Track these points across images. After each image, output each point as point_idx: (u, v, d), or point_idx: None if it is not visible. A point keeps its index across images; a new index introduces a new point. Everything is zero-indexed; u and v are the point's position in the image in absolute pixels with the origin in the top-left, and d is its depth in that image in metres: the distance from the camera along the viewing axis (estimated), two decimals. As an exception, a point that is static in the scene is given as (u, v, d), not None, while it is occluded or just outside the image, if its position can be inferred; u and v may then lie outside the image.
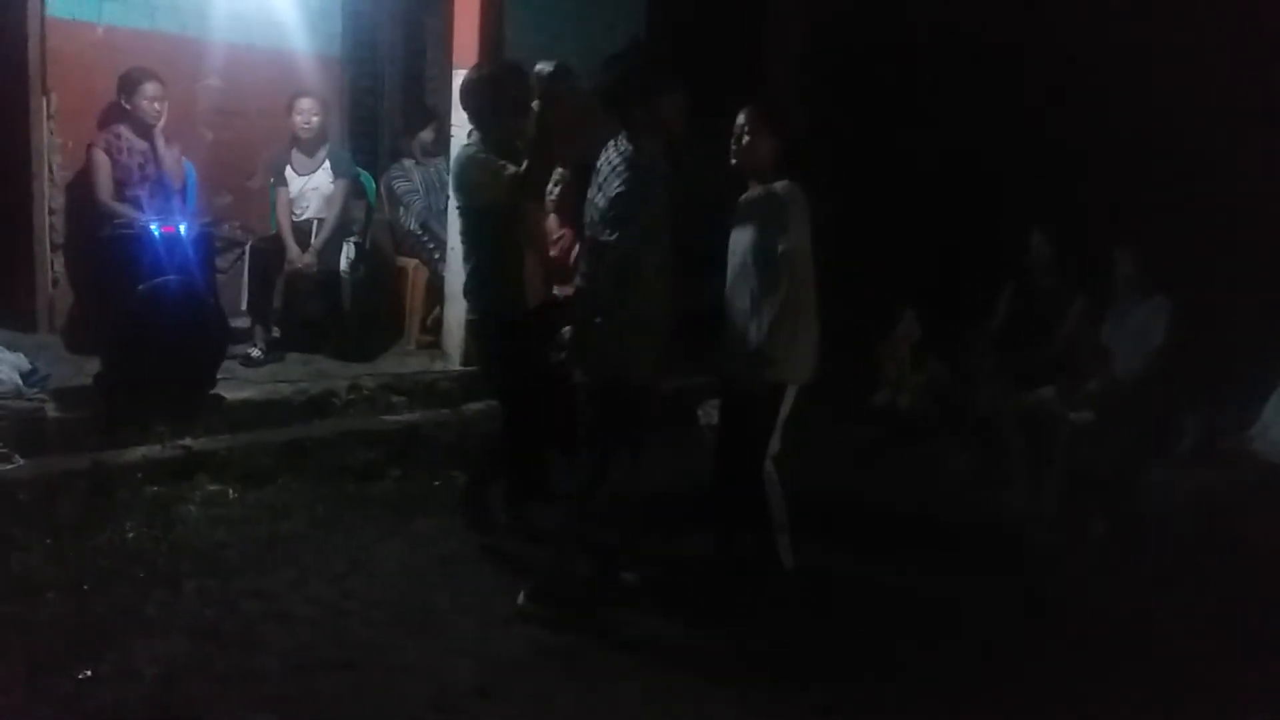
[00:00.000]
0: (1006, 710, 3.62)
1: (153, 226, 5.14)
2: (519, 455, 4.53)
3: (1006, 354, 5.89)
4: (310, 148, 6.27)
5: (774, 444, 4.21)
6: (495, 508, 4.67)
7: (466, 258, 4.38)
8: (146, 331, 4.79)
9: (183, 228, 5.21)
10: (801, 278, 4.02)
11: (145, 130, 5.71)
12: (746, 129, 4.08)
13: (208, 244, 5.54)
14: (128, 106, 5.68)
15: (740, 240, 4.13)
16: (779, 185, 4.06)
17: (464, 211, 4.34)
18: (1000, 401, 5.68)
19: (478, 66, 4.71)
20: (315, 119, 6.20)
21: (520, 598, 3.98)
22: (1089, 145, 6.60)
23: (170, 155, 5.82)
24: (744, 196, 4.17)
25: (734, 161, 4.13)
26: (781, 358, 4.00)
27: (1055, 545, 5.00)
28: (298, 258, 6.04)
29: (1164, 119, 6.36)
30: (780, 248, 3.97)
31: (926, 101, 7.34)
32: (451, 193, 4.69)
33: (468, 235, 4.34)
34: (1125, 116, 6.54)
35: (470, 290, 4.42)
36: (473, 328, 4.71)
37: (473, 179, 4.22)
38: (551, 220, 5.19)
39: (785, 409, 4.16)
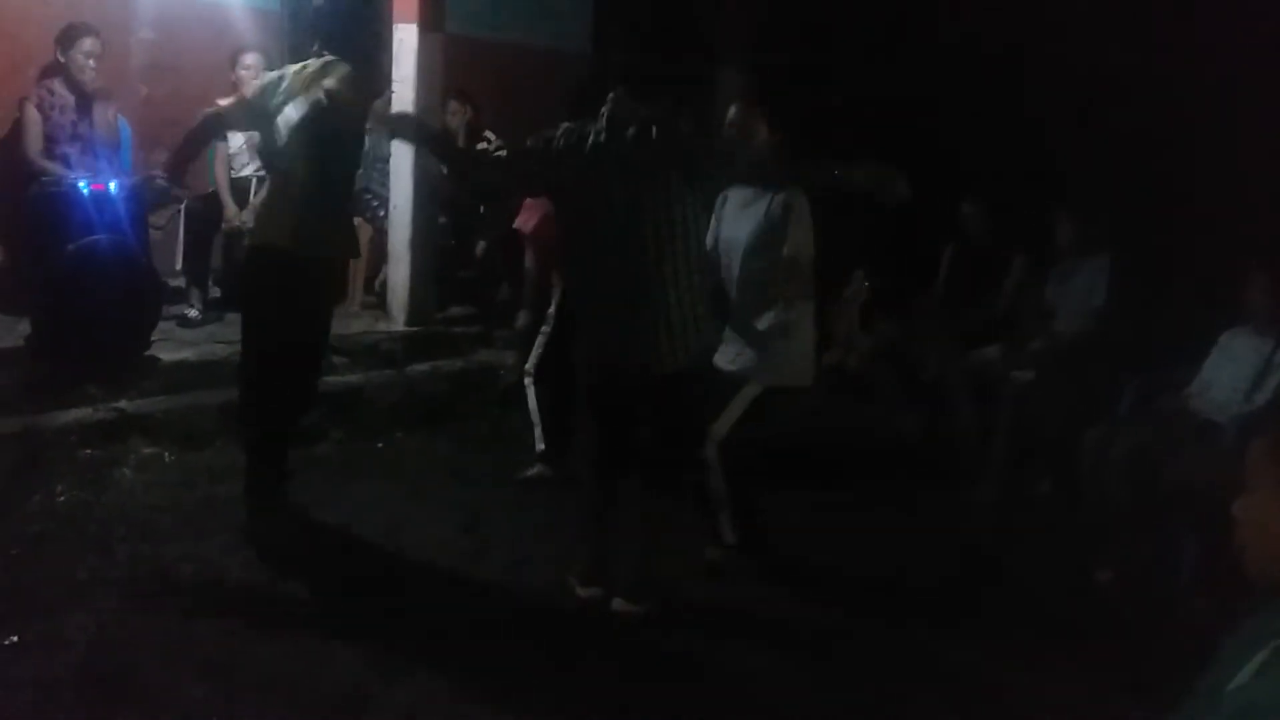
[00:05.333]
0: (955, 671, 3.62)
1: (81, 184, 5.01)
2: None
3: (951, 314, 5.92)
4: (253, 103, 6.13)
5: (721, 429, 4.10)
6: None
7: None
8: (76, 292, 4.70)
9: (113, 185, 5.09)
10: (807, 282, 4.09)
11: (79, 86, 5.55)
12: (740, 125, 3.98)
13: (139, 202, 5.41)
14: (63, 60, 5.51)
15: (739, 238, 4.05)
16: (786, 191, 4.01)
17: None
18: (946, 362, 5.70)
19: None
20: (256, 73, 6.06)
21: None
22: (1033, 108, 6.61)
23: (104, 111, 5.66)
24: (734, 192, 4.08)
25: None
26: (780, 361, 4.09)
27: (1001, 503, 5.05)
28: (235, 215, 5.92)
29: (1108, 81, 6.38)
30: (786, 251, 3.97)
31: (876, 71, 7.32)
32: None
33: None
34: (1070, 80, 6.55)
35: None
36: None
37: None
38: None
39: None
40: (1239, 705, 1.53)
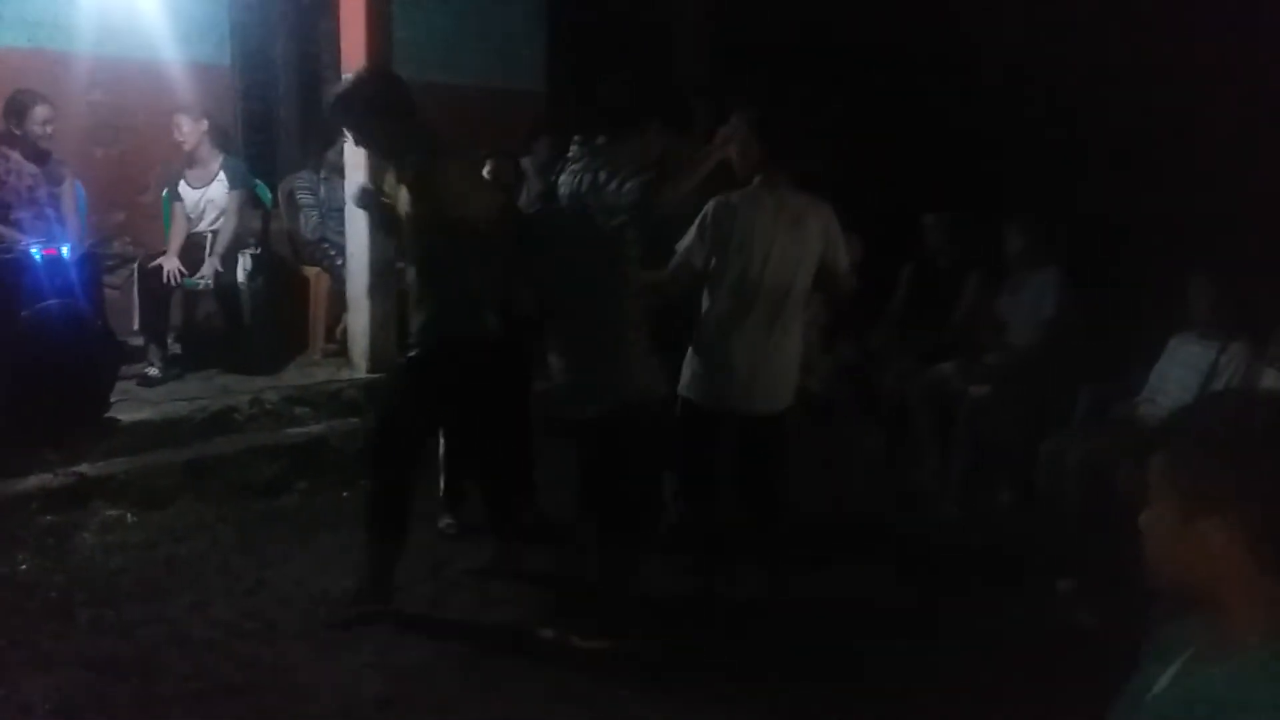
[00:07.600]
0: (916, 680, 3.63)
1: (34, 250, 5.02)
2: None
3: (909, 332, 5.99)
4: (203, 160, 6.14)
5: None
6: None
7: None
8: (30, 358, 4.69)
9: (65, 249, 5.09)
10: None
11: (35, 153, 5.57)
12: (739, 136, 3.99)
13: (94, 264, 5.41)
14: (17, 132, 5.53)
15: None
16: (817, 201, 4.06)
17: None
18: (905, 379, 5.76)
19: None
20: (191, 134, 6.03)
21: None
22: (983, 124, 6.71)
23: (60, 175, 5.68)
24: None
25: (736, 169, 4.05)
26: None
27: (962, 517, 5.10)
28: (175, 270, 5.83)
29: (1055, 93, 6.48)
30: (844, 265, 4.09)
31: (830, 90, 7.42)
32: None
33: None
34: (1019, 93, 6.65)
35: None
36: None
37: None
38: None
39: None
40: (1155, 714, 1.57)
